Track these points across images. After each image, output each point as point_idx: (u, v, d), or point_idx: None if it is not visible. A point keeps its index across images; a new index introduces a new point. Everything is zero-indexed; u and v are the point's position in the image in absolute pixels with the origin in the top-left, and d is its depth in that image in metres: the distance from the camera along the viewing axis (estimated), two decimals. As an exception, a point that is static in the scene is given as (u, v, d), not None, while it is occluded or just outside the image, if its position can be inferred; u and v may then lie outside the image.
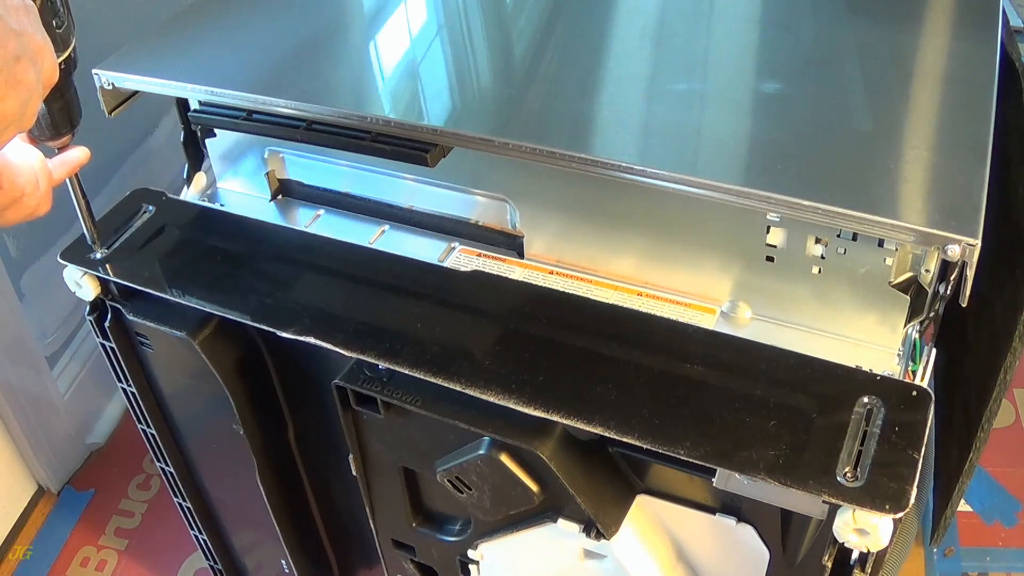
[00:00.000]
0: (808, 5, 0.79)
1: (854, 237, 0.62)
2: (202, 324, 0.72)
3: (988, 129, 0.62)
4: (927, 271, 0.62)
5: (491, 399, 0.59)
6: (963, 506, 1.23)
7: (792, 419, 0.55)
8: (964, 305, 0.56)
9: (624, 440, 0.55)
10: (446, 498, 0.74)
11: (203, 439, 0.86)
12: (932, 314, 0.63)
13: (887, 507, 0.50)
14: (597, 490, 0.63)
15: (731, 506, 0.62)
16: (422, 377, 0.61)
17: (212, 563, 1.02)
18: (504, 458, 0.63)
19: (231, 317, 0.67)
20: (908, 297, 0.63)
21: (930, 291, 0.62)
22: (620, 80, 0.71)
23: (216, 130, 0.81)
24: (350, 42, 0.80)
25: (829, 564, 0.57)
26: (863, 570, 0.58)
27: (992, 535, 1.20)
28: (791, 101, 0.67)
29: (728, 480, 0.56)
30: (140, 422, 0.86)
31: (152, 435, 0.86)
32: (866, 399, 0.55)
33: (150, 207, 0.76)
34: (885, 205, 0.56)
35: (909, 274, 0.63)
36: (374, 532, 0.81)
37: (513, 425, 0.61)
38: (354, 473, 0.75)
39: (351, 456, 0.74)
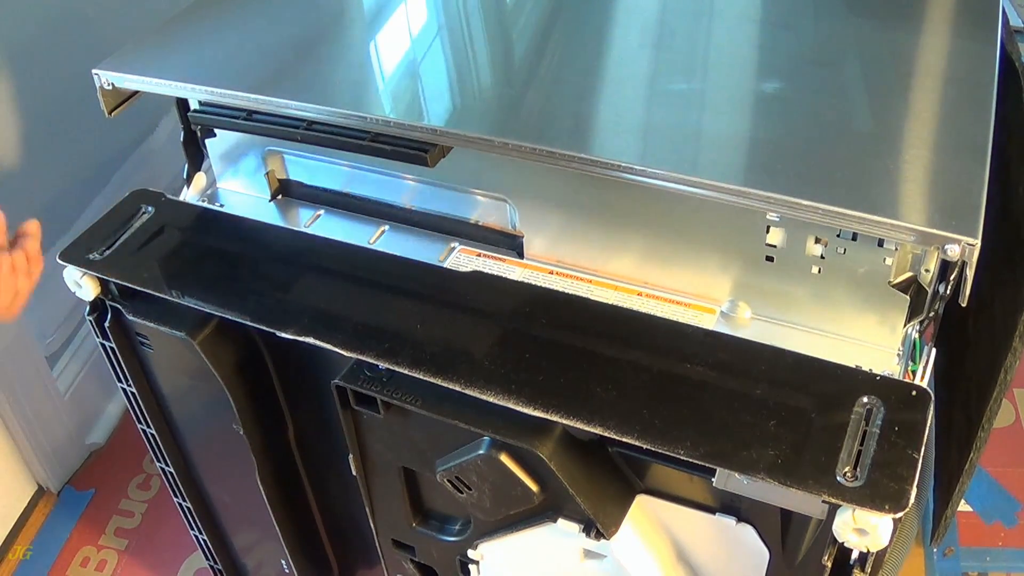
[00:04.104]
0: (808, 5, 0.79)
1: (854, 237, 0.62)
2: (202, 324, 0.72)
3: (988, 129, 0.62)
4: (927, 271, 0.62)
5: (491, 399, 0.59)
6: (963, 506, 1.23)
7: (792, 419, 0.55)
8: (964, 305, 0.56)
9: (624, 440, 0.55)
10: (446, 498, 0.74)
11: (203, 439, 0.86)
12: (932, 314, 0.63)
13: (887, 507, 0.50)
14: (597, 490, 0.63)
15: (731, 506, 0.62)
16: (422, 377, 0.61)
17: (212, 563, 1.02)
18: (504, 458, 0.63)
19: (230, 318, 0.67)
20: (908, 297, 0.63)
21: (930, 291, 0.62)
22: (620, 80, 0.71)
23: (216, 130, 0.81)
24: (350, 42, 0.80)
25: (829, 564, 0.57)
26: (863, 570, 0.58)
27: (992, 535, 1.20)
28: (791, 101, 0.67)
29: (728, 480, 0.56)
30: (140, 422, 0.86)
31: (152, 435, 0.86)
32: (866, 399, 0.55)
33: (149, 208, 0.76)
34: (885, 205, 0.56)
35: (909, 274, 0.63)
36: (374, 532, 0.81)
37: (513, 425, 0.61)
38: (354, 473, 0.75)
39: (351, 456, 0.74)
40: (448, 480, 0.67)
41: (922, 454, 0.52)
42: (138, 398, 0.83)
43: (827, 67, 0.71)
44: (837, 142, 0.62)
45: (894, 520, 0.51)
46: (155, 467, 0.96)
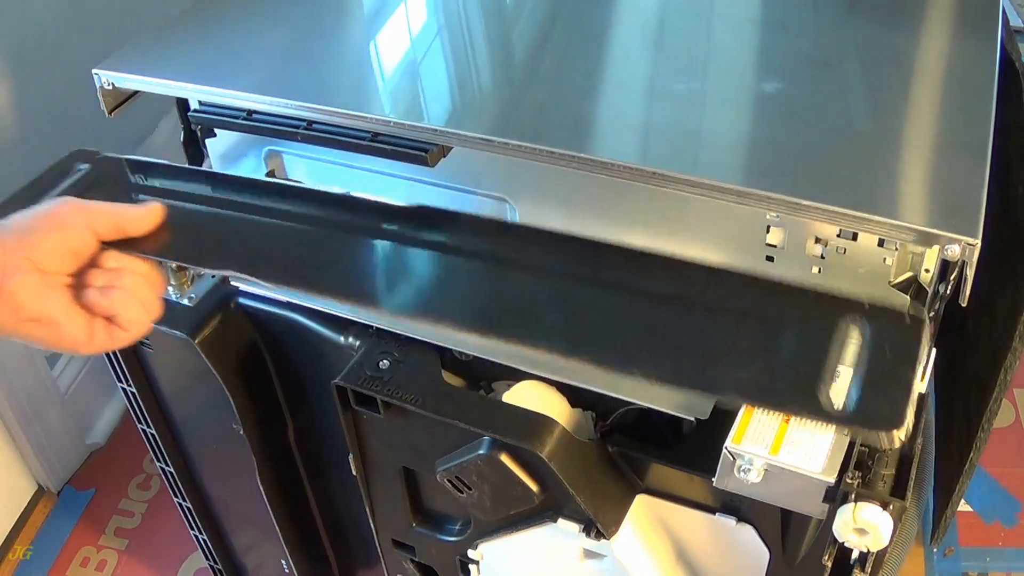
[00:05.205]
0: (808, 5, 0.79)
1: (854, 237, 0.62)
2: (202, 324, 0.72)
3: (988, 129, 0.62)
4: (927, 271, 0.62)
5: (429, 326, 0.56)
6: (963, 506, 1.23)
7: (772, 342, 0.51)
8: (964, 305, 0.56)
9: (573, 359, 0.52)
10: (446, 498, 0.74)
11: (203, 439, 0.86)
12: (932, 314, 0.63)
13: (879, 426, 0.46)
14: (597, 490, 0.63)
15: (731, 506, 0.62)
16: (348, 306, 0.57)
17: (212, 563, 1.02)
18: (504, 458, 0.63)
19: (149, 257, 0.62)
20: (908, 297, 0.63)
21: (930, 291, 0.62)
22: (620, 80, 0.71)
23: (216, 130, 0.81)
24: (350, 42, 0.80)
25: (829, 564, 0.57)
26: (863, 570, 0.58)
27: (992, 535, 1.20)
28: (791, 101, 0.67)
29: (728, 480, 0.56)
30: (140, 422, 0.86)
31: (152, 435, 0.86)
32: (855, 323, 0.52)
33: (84, 165, 0.72)
34: (885, 205, 0.56)
35: (909, 274, 0.63)
36: (374, 532, 0.81)
37: (513, 425, 0.61)
38: (354, 473, 0.75)
39: (351, 456, 0.74)
40: (448, 480, 0.67)
41: (917, 374, 0.48)
42: (138, 398, 0.83)
43: (827, 67, 0.71)
44: (837, 142, 0.62)
45: (894, 520, 0.51)
46: (155, 467, 0.96)
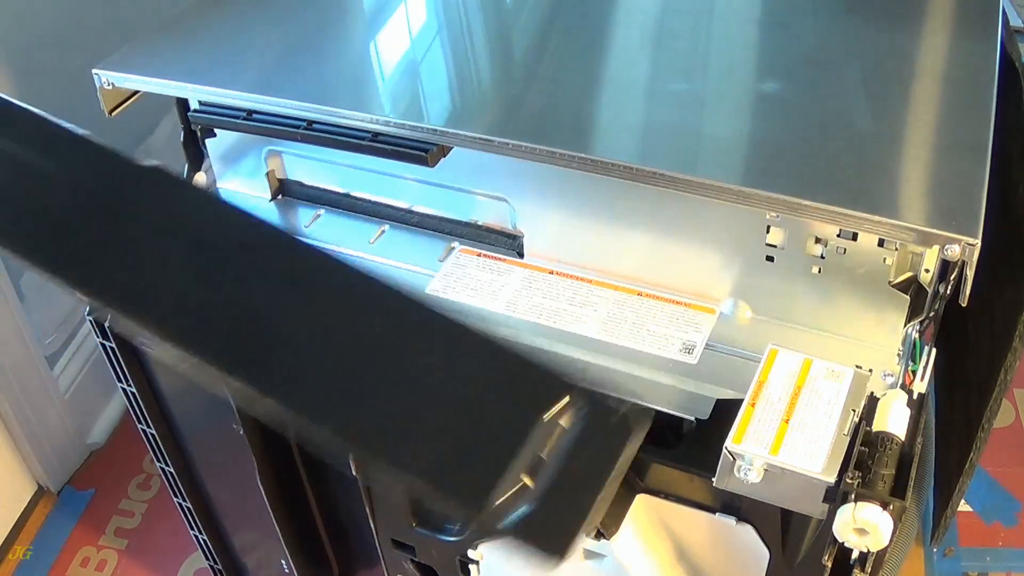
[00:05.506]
0: (808, 5, 0.79)
1: (854, 237, 0.62)
2: (202, 324, 0.71)
3: (988, 129, 0.62)
4: (927, 271, 0.62)
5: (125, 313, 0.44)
6: (963, 506, 1.23)
7: (474, 421, 0.42)
8: (964, 305, 0.56)
9: (233, 379, 0.41)
10: (446, 498, 0.73)
11: (203, 439, 0.86)
12: (932, 314, 0.63)
13: (539, 551, 0.39)
14: (597, 490, 0.63)
15: (731, 506, 0.62)
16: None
17: (212, 563, 1.02)
18: (504, 458, 0.63)
19: None
20: (908, 297, 0.63)
21: (930, 291, 0.62)
22: (620, 80, 0.71)
23: (216, 130, 0.81)
24: (350, 42, 0.80)
25: (829, 564, 0.57)
26: (863, 570, 0.58)
27: (992, 535, 1.20)
28: (791, 101, 0.67)
29: (728, 479, 0.56)
30: (140, 422, 0.86)
31: (152, 435, 0.86)
32: (566, 408, 0.42)
33: None
34: (885, 205, 0.56)
35: (909, 274, 0.63)
36: (374, 532, 0.81)
37: (513, 425, 0.61)
38: (354, 473, 0.75)
39: (351, 456, 0.74)
40: (448, 480, 0.67)
41: (602, 494, 0.41)
42: (138, 398, 0.83)
43: (827, 67, 0.71)
44: (837, 142, 0.62)
45: (894, 520, 0.51)
46: (155, 467, 0.96)
